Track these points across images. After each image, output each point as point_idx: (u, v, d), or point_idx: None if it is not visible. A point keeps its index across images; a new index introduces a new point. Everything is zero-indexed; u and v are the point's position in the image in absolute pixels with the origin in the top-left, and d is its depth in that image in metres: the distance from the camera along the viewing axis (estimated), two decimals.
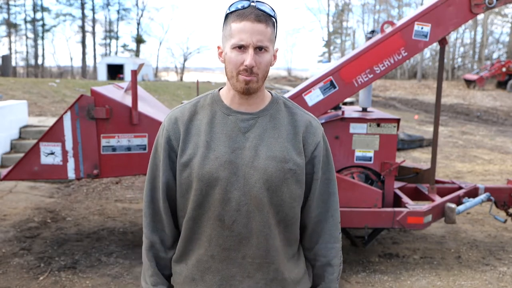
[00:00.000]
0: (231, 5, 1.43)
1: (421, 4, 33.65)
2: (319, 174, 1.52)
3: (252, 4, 1.40)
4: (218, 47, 1.49)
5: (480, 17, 34.25)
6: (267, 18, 1.40)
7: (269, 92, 1.55)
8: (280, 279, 1.49)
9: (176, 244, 1.56)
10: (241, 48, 1.38)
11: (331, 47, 52.36)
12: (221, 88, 1.55)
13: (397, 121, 4.17)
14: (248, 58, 1.37)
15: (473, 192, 4.59)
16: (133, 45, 49.28)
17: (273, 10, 1.44)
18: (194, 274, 1.50)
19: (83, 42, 45.17)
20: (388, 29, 4.06)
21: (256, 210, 1.43)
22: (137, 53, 48.02)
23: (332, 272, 1.57)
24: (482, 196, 4.42)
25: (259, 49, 1.39)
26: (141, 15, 55.48)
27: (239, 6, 1.40)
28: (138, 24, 47.90)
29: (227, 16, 1.43)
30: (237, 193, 1.42)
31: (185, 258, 1.52)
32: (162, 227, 1.54)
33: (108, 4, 46.79)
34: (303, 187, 1.50)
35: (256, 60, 1.39)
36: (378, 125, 4.13)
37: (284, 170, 1.43)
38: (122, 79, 29.42)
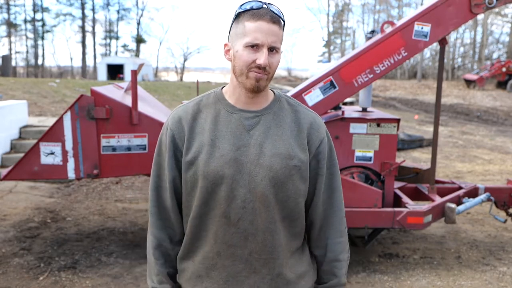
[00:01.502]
0: (242, 4, 1.45)
1: (421, 4, 33.65)
2: (324, 170, 1.54)
3: (265, 6, 1.42)
4: (225, 45, 1.50)
5: (480, 17, 34.25)
6: (280, 20, 1.43)
7: (271, 90, 1.57)
8: (286, 273, 1.51)
9: (182, 242, 1.57)
10: (253, 47, 1.40)
11: (331, 47, 52.37)
12: (224, 87, 1.56)
13: (397, 121, 4.17)
14: (263, 57, 1.39)
15: (473, 192, 4.59)
16: (133, 45, 49.34)
17: (282, 13, 1.47)
18: (200, 270, 1.51)
19: (83, 42, 45.20)
20: (388, 29, 4.06)
21: (262, 207, 1.44)
22: (137, 53, 48.03)
23: (341, 267, 1.58)
24: (482, 196, 4.42)
25: (271, 50, 1.42)
26: (141, 15, 55.60)
27: (253, 6, 1.42)
28: (138, 24, 47.95)
29: (239, 14, 1.44)
30: (242, 190, 1.43)
31: (191, 255, 1.54)
32: (170, 224, 1.56)
33: (108, 4, 46.83)
34: (307, 183, 1.52)
35: (269, 61, 1.41)
36: (378, 125, 4.13)
37: (289, 167, 1.45)
38: (122, 79, 29.43)
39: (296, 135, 1.49)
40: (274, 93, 1.56)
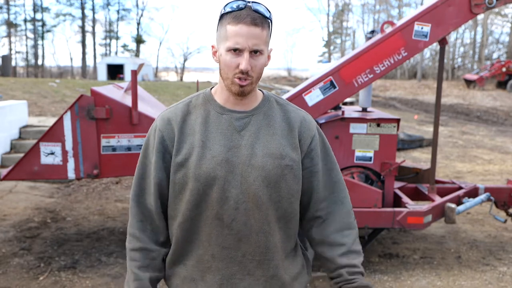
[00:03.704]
0: (226, 5, 1.41)
1: (421, 4, 33.64)
2: (318, 167, 1.52)
3: (248, 4, 1.38)
4: (212, 46, 1.49)
5: (480, 17, 34.24)
6: (263, 21, 1.39)
7: (260, 90, 1.55)
8: (280, 275, 1.50)
9: (166, 244, 1.54)
10: (236, 51, 1.38)
11: (331, 47, 52.36)
12: (212, 87, 1.54)
13: (397, 121, 4.17)
14: (244, 62, 1.37)
15: (473, 192, 4.59)
16: (133, 45, 49.32)
17: (269, 11, 1.43)
18: (194, 274, 1.49)
19: (83, 42, 45.19)
20: (388, 29, 4.06)
21: (255, 208, 1.43)
22: (137, 53, 48.01)
23: (357, 257, 1.51)
24: (482, 196, 4.42)
25: (254, 52, 1.39)
26: (141, 15, 55.47)
27: (235, 6, 1.38)
28: (138, 24, 47.92)
29: (222, 16, 1.42)
30: (235, 191, 1.42)
31: (183, 259, 1.51)
32: (153, 227, 1.51)
33: (108, 4, 46.82)
34: (300, 182, 1.50)
35: (252, 64, 1.39)
36: (378, 125, 4.13)
37: (282, 167, 1.44)
38: (122, 79, 29.41)
39: (287, 134, 1.48)
40: (263, 93, 1.55)
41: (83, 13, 45.28)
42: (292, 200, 1.48)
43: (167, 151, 1.47)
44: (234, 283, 1.47)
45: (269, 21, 1.42)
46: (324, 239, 1.54)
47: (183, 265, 1.51)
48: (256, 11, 1.38)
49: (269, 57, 1.49)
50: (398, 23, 4.15)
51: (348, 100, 8.76)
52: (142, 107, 4.09)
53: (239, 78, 1.39)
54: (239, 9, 1.38)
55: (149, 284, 1.48)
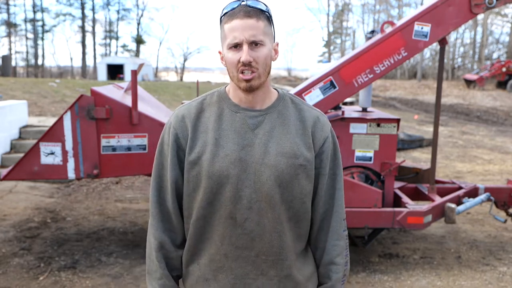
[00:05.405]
0: (223, 8, 1.44)
1: (421, 4, 33.64)
2: (327, 169, 1.51)
3: (243, 3, 1.40)
4: (219, 52, 1.50)
5: (480, 17, 34.24)
6: (258, 13, 1.40)
7: (275, 89, 1.55)
8: (294, 275, 1.49)
9: (182, 246, 1.54)
10: (236, 47, 1.39)
11: (331, 47, 52.37)
12: (227, 86, 1.55)
13: (397, 121, 4.17)
14: (243, 54, 1.37)
15: (473, 192, 4.59)
16: (133, 45, 49.32)
17: (266, 6, 1.43)
18: (206, 274, 1.48)
19: (83, 42, 45.20)
20: (388, 29, 4.06)
21: (268, 207, 1.42)
22: (137, 53, 48.00)
23: (337, 271, 1.54)
24: (482, 196, 4.42)
25: (254, 44, 1.39)
26: (141, 15, 55.46)
27: (230, 7, 1.41)
28: (138, 24, 47.93)
29: (220, 20, 1.44)
30: (248, 190, 1.41)
31: (196, 258, 1.51)
32: (171, 227, 1.52)
33: (108, 4, 46.83)
34: (313, 182, 1.49)
35: (253, 55, 1.38)
36: (378, 125, 4.14)
37: (295, 166, 1.43)
38: (122, 79, 29.42)
39: (301, 134, 1.47)
40: (278, 91, 1.54)
41: (83, 13, 45.31)
42: (305, 200, 1.47)
43: (180, 149, 1.47)
44: (247, 283, 1.46)
45: (267, 14, 1.43)
46: (313, 244, 1.57)
47: (196, 264, 1.51)
48: (250, 6, 1.40)
49: (276, 51, 1.48)
50: (398, 23, 4.15)
51: (348, 100, 8.76)
52: (142, 107, 4.09)
53: (243, 72, 1.39)
54: (234, 8, 1.41)
55: (174, 282, 1.52)
